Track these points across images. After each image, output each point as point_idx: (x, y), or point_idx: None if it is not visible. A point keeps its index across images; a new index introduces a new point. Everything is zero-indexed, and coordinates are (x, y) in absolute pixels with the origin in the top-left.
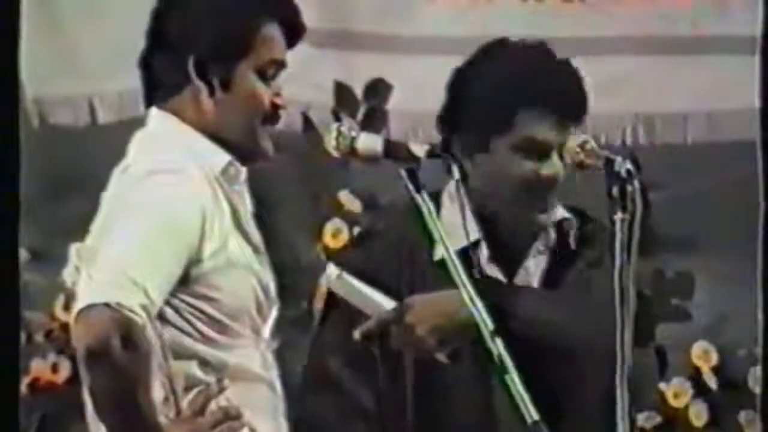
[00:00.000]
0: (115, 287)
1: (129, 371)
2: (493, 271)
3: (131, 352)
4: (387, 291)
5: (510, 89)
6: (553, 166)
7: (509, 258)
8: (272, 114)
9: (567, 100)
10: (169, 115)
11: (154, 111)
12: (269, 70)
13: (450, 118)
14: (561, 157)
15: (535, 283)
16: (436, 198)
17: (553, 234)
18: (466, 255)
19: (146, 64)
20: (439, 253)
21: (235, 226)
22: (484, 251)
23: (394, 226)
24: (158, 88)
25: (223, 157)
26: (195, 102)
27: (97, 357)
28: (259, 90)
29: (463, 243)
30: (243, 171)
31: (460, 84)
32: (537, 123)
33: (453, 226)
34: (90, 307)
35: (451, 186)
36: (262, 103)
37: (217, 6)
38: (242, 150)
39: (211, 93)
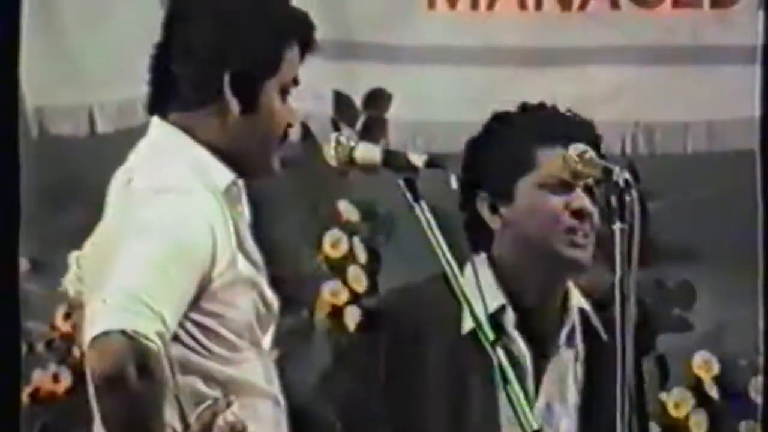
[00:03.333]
0: (131, 314)
1: (143, 399)
2: (518, 343)
3: (146, 380)
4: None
5: (528, 128)
6: (575, 199)
7: (538, 332)
8: (285, 132)
9: (581, 139)
10: (174, 128)
11: (156, 121)
12: (289, 88)
13: (471, 175)
14: (591, 194)
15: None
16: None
17: (576, 318)
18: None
19: (159, 72)
20: (467, 326)
21: (237, 243)
22: (510, 316)
23: (407, 308)
24: (171, 98)
25: (226, 176)
26: (218, 117)
27: (112, 385)
28: (280, 109)
29: (491, 308)
30: (243, 189)
31: (476, 143)
32: (562, 161)
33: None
34: (106, 333)
35: (479, 258)
36: (281, 122)
37: (253, 24)
38: (254, 167)
39: (243, 110)
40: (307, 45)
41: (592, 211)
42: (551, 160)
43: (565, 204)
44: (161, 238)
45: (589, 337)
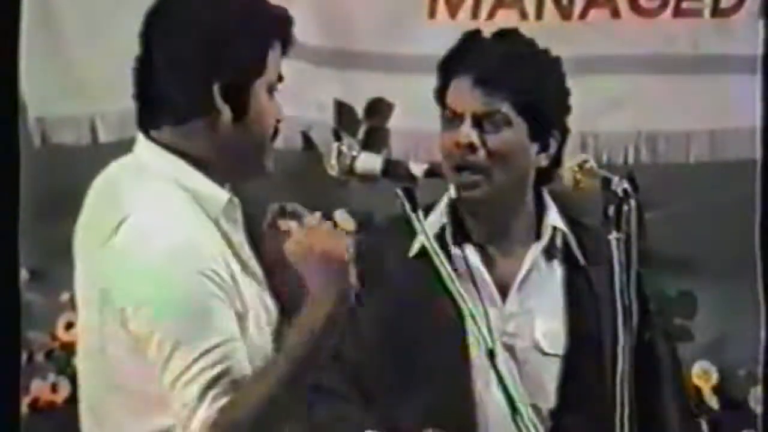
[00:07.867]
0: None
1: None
2: (472, 255)
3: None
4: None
5: (443, 65)
6: (460, 133)
7: (500, 246)
8: (276, 128)
9: (481, 66)
10: (163, 151)
11: (144, 143)
12: (275, 86)
13: None
14: (479, 125)
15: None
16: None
17: (546, 239)
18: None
19: (144, 87)
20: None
21: (240, 266)
22: (448, 230)
23: (375, 240)
24: (160, 112)
25: (222, 195)
26: (210, 127)
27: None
28: (268, 107)
29: (435, 229)
30: (239, 205)
31: None
32: (455, 91)
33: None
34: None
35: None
36: (271, 120)
37: (236, 32)
38: (249, 170)
39: (236, 117)
40: (287, 41)
41: (476, 143)
42: (452, 94)
43: (454, 140)
44: (191, 301)
45: (568, 256)
